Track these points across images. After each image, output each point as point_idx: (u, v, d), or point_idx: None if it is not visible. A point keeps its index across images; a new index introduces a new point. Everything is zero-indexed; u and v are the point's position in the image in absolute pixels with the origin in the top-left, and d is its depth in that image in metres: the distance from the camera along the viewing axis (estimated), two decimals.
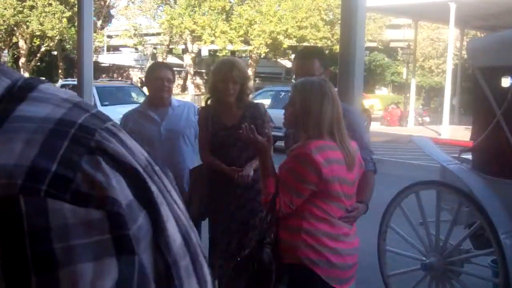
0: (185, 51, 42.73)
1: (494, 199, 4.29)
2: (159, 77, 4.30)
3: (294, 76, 3.52)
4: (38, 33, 44.07)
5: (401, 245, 5.18)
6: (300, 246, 2.69)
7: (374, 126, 27.35)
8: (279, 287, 2.66)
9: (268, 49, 36.11)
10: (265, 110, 4.00)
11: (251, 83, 4.09)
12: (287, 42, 36.16)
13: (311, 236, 2.70)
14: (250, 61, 37.72)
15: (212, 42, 36.42)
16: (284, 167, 2.75)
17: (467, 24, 27.95)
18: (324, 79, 3.00)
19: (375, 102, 41.87)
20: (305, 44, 37.21)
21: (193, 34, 36.99)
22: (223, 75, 3.80)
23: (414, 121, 28.29)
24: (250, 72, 37.89)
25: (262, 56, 40.23)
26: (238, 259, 2.78)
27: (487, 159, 4.62)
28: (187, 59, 40.93)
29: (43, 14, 42.79)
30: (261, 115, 3.86)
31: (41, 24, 42.85)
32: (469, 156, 4.81)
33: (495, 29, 22.32)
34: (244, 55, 40.12)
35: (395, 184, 4.90)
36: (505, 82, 4.50)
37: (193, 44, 39.23)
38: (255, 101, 4.10)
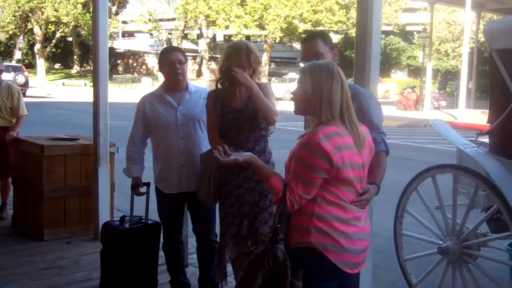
0: (200, 36, 42.72)
1: (511, 182, 4.26)
2: (170, 61, 4.31)
3: (299, 60, 3.50)
4: (53, 19, 44.27)
5: (417, 229, 5.19)
6: (311, 231, 2.69)
7: (390, 110, 27.25)
8: (295, 283, 2.66)
9: (283, 34, 35.98)
10: (271, 90, 3.98)
11: (262, 67, 4.08)
12: (302, 27, 36.00)
13: (323, 220, 2.69)
14: (265, 45, 37.62)
15: (227, 27, 36.36)
16: (294, 158, 2.72)
17: (483, 7, 27.62)
18: (332, 62, 2.98)
19: (391, 86, 41.63)
20: (321, 28, 37.04)
21: (208, 19, 36.91)
22: (237, 60, 3.77)
23: (430, 105, 28.11)
24: (265, 57, 37.89)
25: (277, 41, 40.06)
26: (251, 257, 2.77)
27: (504, 142, 4.58)
28: (202, 44, 40.91)
29: (58, 0, 42.93)
30: (268, 95, 3.83)
31: (56, 10, 43.01)
32: (486, 140, 4.78)
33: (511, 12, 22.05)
34: (259, 39, 39.99)
35: (411, 169, 4.90)
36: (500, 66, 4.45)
37: (208, 29, 39.16)
38: (262, 81, 4.06)
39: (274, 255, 2.64)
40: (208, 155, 3.94)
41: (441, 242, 4.70)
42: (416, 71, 43.33)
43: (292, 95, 2.87)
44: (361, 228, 2.83)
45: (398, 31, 49.61)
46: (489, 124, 4.72)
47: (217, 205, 4.13)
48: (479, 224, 4.59)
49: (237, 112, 3.84)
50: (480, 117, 19.21)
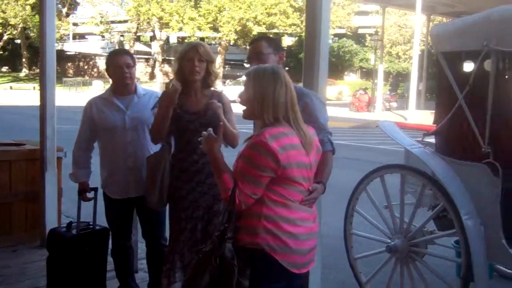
0: (153, 38, 42.39)
1: (456, 181, 4.36)
2: (118, 65, 4.25)
3: (246, 61, 3.56)
4: (0, 21, 43.08)
5: (367, 228, 5.25)
6: (259, 232, 2.71)
7: (343, 112, 27.61)
8: (242, 282, 2.67)
9: (237, 36, 35.99)
10: (228, 99, 4.00)
11: (216, 66, 4.08)
12: (256, 29, 36.11)
13: (271, 221, 2.71)
14: (219, 48, 37.59)
15: (181, 29, 36.17)
16: (241, 158, 2.74)
17: (434, 10, 28.27)
18: (277, 65, 3.01)
19: (344, 88, 42.19)
20: (275, 31, 37.23)
21: (161, 21, 36.65)
22: (188, 53, 3.79)
23: (382, 106, 28.60)
24: (219, 59, 37.80)
25: (231, 43, 40.09)
26: (200, 255, 2.76)
27: (449, 142, 4.70)
28: (155, 47, 40.62)
29: (6, 1, 41.83)
30: (225, 104, 3.85)
31: (3, 12, 41.88)
32: (432, 140, 4.89)
33: (461, 15, 22.58)
34: (213, 42, 39.89)
35: (362, 169, 4.97)
36: (467, 67, 4.56)
37: (161, 31, 38.87)
38: (219, 90, 4.08)
39: (222, 254, 2.65)
40: (157, 158, 3.90)
41: (389, 241, 4.78)
42: (368, 73, 44.00)
43: (240, 99, 2.89)
44: (309, 228, 2.86)
45: (351, 34, 50.34)
46: (435, 125, 4.82)
47: (167, 209, 4.08)
48: (426, 222, 4.68)
49: (194, 115, 3.82)
50: (429, 118, 19.59)
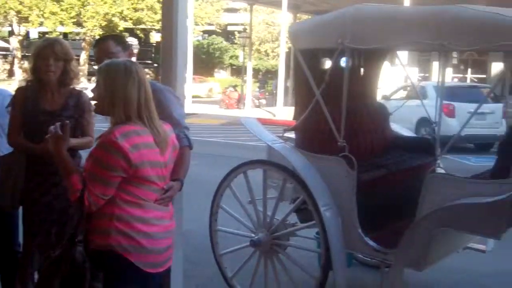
0: (11, 33, 39.98)
1: (315, 175, 4.53)
2: None
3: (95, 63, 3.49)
4: None
5: (234, 224, 5.30)
6: (111, 233, 2.63)
7: (213, 109, 27.76)
8: (95, 285, 2.58)
9: (102, 32, 34.83)
10: (89, 99, 3.86)
11: (75, 64, 3.91)
12: (123, 25, 35.22)
13: (123, 222, 2.64)
14: (84, 44, 36.25)
15: (41, 23, 34.40)
16: (91, 158, 2.64)
17: (299, 8, 29.21)
18: (130, 60, 2.94)
19: (214, 85, 42.39)
20: (142, 26, 36.56)
21: (20, 15, 34.64)
22: (43, 51, 3.62)
23: (251, 103, 29.05)
24: (84, 55, 36.43)
25: (96, 39, 38.82)
26: (49, 260, 2.63)
27: (308, 137, 4.87)
28: (14, 42, 38.34)
29: None
30: (83, 104, 3.71)
31: None
32: (292, 135, 5.03)
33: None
34: (77, 37, 38.37)
35: (232, 165, 5.00)
36: (324, 64, 4.74)
37: (20, 26, 36.78)
38: (78, 89, 3.92)
39: (73, 258, 2.54)
40: (10, 158, 3.69)
41: (253, 235, 4.86)
42: (238, 71, 44.52)
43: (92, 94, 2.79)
44: (165, 227, 2.82)
45: (220, 31, 50.65)
46: (295, 120, 4.97)
47: (20, 212, 3.87)
48: (288, 215, 4.82)
49: (49, 115, 3.63)
50: None
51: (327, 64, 4.62)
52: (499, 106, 14.72)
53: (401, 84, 16.55)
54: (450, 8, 3.94)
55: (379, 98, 17.96)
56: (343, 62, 4.73)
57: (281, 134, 5.05)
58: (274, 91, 28.72)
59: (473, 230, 4.06)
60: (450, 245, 4.61)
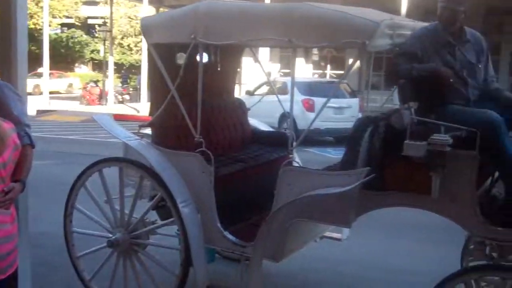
0: None
1: (172, 171, 4.48)
2: None
3: None
4: None
5: (96, 225, 5.10)
6: None
7: (74, 106, 26.70)
8: None
9: None
10: None
11: None
12: None
13: None
14: None
15: None
16: None
17: (161, 2, 28.86)
18: None
19: (75, 80, 40.76)
20: None
21: None
22: None
23: (114, 99, 28.30)
24: None
25: None
26: None
27: (165, 133, 4.81)
28: None
29: None
30: None
31: None
32: (149, 131, 4.94)
33: None
34: None
35: (87, 164, 4.80)
36: (180, 58, 4.69)
37: None
38: None
39: None
40: None
41: (111, 235, 4.71)
42: (100, 65, 43.17)
43: None
44: (5, 232, 2.65)
45: (80, 24, 48.79)
46: (151, 116, 4.87)
47: None
48: (146, 213, 4.74)
49: None
50: None
51: (183, 58, 4.56)
52: (356, 101, 15.52)
53: (264, 80, 16.94)
54: (298, 5, 4.05)
55: (243, 93, 18.34)
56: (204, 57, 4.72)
57: (136, 131, 4.93)
58: (138, 87, 28.17)
59: (325, 220, 4.23)
60: (306, 236, 4.77)
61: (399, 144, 3.62)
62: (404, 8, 18.03)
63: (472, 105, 3.94)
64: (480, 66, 4.06)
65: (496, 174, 3.87)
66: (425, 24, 4.33)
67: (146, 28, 4.76)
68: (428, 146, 3.50)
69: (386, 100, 4.98)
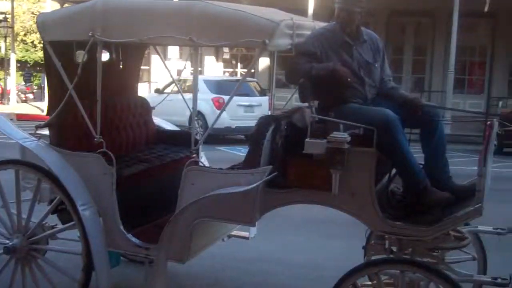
0: None
1: (71, 173, 4.33)
2: None
3: None
4: None
5: None
6: None
7: None
8: None
9: None
10: None
11: None
12: None
13: None
14: None
15: None
16: None
17: None
18: None
19: None
20: None
21: None
22: None
23: (17, 98, 27.14)
24: None
25: None
26: None
27: (64, 133, 4.64)
28: None
29: None
30: None
31: None
32: (46, 132, 4.75)
33: None
34: None
35: None
36: (78, 56, 4.54)
37: None
38: None
39: None
40: None
41: (8, 241, 4.51)
42: (1, 63, 41.31)
43: None
44: None
45: None
46: (48, 116, 4.69)
47: None
48: (45, 217, 4.59)
49: None
50: None
51: (83, 56, 4.41)
52: (266, 99, 15.68)
53: (174, 78, 16.72)
54: (196, 3, 4.03)
55: (152, 91, 18.08)
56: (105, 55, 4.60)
57: (33, 131, 4.72)
58: (43, 85, 27.13)
59: (229, 219, 4.23)
60: (212, 235, 4.75)
61: (300, 142, 3.69)
62: (311, 9, 18.38)
63: (370, 103, 4.07)
64: (376, 65, 4.19)
65: (394, 170, 4.01)
66: (325, 24, 4.42)
67: (42, 24, 4.57)
68: (328, 144, 3.58)
69: (290, 99, 5.04)
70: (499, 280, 3.72)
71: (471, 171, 4.19)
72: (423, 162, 4.00)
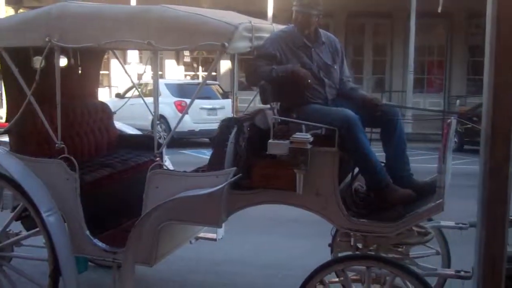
0: None
1: (34, 180, 4.27)
2: None
3: None
4: None
5: None
6: None
7: None
8: None
9: None
10: None
11: None
12: None
13: None
14: None
15: None
16: None
17: (21, 4, 27.40)
18: None
19: None
20: None
21: None
22: None
23: None
24: None
25: None
26: None
27: (24, 140, 4.58)
28: None
29: None
30: None
31: None
32: (6, 139, 4.68)
33: None
34: None
35: None
36: (35, 62, 4.49)
37: None
38: None
39: None
40: None
41: None
42: None
43: None
44: None
45: None
46: (7, 123, 4.62)
47: None
48: (8, 224, 4.55)
49: None
50: None
51: (41, 62, 4.35)
52: (229, 102, 15.70)
53: (135, 82, 16.56)
54: (155, 8, 4.04)
55: (113, 96, 17.86)
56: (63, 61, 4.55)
57: None
58: (0, 92, 26.57)
59: (195, 221, 4.25)
60: (179, 238, 4.75)
61: (263, 144, 3.72)
62: (270, 11, 18.47)
63: (330, 104, 4.13)
64: (335, 67, 4.26)
65: (357, 169, 4.08)
66: (284, 27, 4.47)
67: None
68: (291, 145, 3.62)
69: (252, 101, 5.07)
70: (462, 273, 3.83)
71: (431, 168, 4.28)
72: (384, 161, 4.09)
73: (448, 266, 4.56)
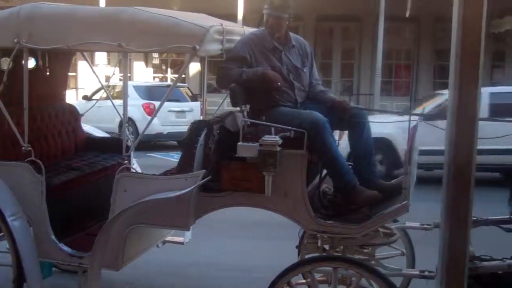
0: None
1: None
2: None
3: None
4: None
5: None
6: None
7: None
8: None
9: None
10: None
11: None
12: None
13: None
14: None
15: None
16: None
17: None
18: None
19: None
20: None
21: None
22: None
23: None
24: None
25: None
26: None
27: None
28: None
29: None
30: None
31: None
32: None
33: None
34: None
35: None
36: (3, 63, 4.42)
37: None
38: None
39: None
40: None
41: None
42: None
43: None
44: None
45: None
46: None
47: None
48: None
49: None
50: None
51: (8, 64, 4.28)
52: (197, 104, 15.65)
53: (103, 84, 16.42)
54: (126, 9, 4.02)
55: (80, 98, 17.65)
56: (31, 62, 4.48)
57: None
58: None
59: (163, 225, 4.23)
60: (146, 241, 4.72)
61: (233, 146, 3.73)
62: (240, 14, 18.49)
63: (300, 107, 4.17)
64: (305, 70, 4.30)
65: (324, 171, 4.12)
66: (254, 29, 4.50)
67: None
68: (260, 147, 3.64)
69: (222, 103, 5.08)
70: (426, 273, 3.89)
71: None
72: (351, 163, 4.14)
73: (413, 267, 4.63)
